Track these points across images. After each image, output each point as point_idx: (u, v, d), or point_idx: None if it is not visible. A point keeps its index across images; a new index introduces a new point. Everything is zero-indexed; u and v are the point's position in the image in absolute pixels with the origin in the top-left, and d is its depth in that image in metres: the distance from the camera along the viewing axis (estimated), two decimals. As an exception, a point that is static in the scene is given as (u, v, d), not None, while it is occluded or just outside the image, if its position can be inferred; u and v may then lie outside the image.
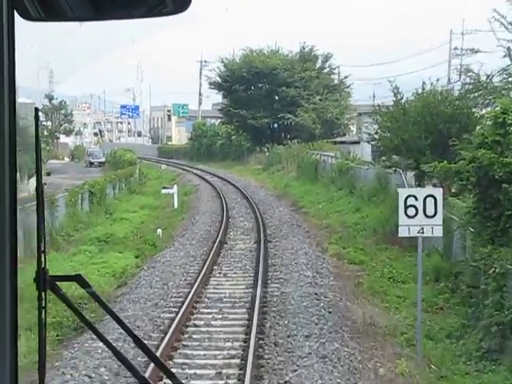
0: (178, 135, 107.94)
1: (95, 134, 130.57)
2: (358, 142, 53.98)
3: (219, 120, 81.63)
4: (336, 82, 69.92)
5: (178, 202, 38.71)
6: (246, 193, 43.58)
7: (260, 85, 68.18)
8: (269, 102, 66.58)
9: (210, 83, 72.70)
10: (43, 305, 2.28)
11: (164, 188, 38.87)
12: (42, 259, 2.28)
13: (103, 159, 71.47)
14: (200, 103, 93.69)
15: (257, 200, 40.40)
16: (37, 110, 2.55)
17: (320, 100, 65.32)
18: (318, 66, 69.42)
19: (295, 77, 66.00)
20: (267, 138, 66.39)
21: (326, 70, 70.28)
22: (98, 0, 2.37)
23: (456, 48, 73.45)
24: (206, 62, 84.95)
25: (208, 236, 27.99)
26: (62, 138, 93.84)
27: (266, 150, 62.36)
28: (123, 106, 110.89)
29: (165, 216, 35.05)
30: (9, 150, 2.19)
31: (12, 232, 2.21)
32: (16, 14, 2.23)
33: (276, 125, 67.56)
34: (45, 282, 2.27)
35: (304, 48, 69.64)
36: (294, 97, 65.41)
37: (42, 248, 2.28)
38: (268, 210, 36.11)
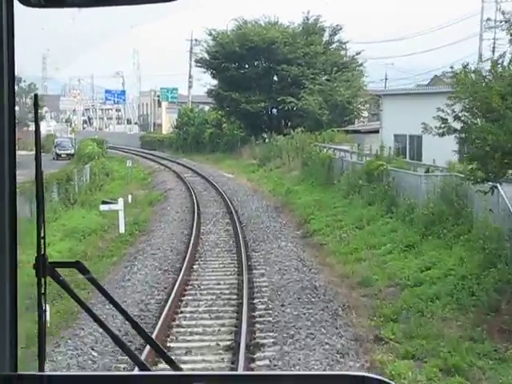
0: (169, 123, 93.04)
1: (84, 122, 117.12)
2: (375, 131, 43.37)
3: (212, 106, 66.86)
4: (346, 59, 55.10)
5: (128, 221, 24.19)
6: (232, 203, 29.11)
7: (255, 62, 54.41)
8: (266, 82, 53.38)
9: (196, 60, 57.96)
10: (43, 291, 2.19)
11: (104, 203, 24.00)
12: (42, 245, 2.19)
13: (72, 151, 59.91)
14: (190, 87, 78.54)
15: (246, 218, 25.87)
16: (36, 96, 2.48)
17: (327, 80, 52.09)
18: (324, 40, 55.33)
19: (298, 52, 52.55)
20: (264, 126, 54.01)
21: (334, 45, 55.75)
22: None
23: (489, 19, 59.34)
24: (197, 40, 69.82)
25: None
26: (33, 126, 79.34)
27: (265, 137, 48.17)
28: (108, 91, 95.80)
29: (93, 253, 20.36)
30: (8, 138, 2.15)
31: (11, 220, 2.18)
32: (15, 0, 2.17)
33: (275, 110, 53.99)
34: (44, 268, 2.18)
35: (308, 19, 55.28)
36: (297, 76, 51.90)
37: (42, 234, 2.17)
38: (262, 242, 21.45)
